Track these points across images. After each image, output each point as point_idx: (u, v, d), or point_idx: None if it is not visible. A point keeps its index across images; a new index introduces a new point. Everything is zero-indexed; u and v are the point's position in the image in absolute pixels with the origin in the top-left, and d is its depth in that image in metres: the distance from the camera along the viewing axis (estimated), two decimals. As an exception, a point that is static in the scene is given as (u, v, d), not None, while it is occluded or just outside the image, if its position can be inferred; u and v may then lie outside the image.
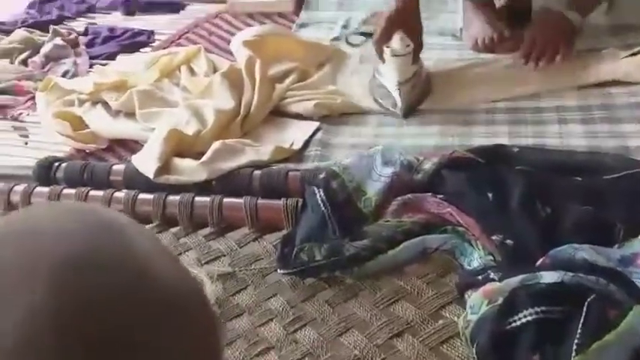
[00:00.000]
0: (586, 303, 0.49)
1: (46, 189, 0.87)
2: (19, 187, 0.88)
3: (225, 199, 0.79)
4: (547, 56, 0.99)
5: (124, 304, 0.23)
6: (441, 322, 0.61)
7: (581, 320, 0.48)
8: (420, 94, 0.99)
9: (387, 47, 0.95)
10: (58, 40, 1.33)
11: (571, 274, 0.54)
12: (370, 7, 1.46)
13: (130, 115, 1.06)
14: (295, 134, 0.97)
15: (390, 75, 0.97)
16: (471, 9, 1.23)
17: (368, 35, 1.13)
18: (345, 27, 1.39)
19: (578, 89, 0.97)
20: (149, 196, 0.82)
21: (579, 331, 0.47)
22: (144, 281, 0.24)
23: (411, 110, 0.97)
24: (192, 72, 1.17)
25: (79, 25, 1.54)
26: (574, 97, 0.96)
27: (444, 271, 0.67)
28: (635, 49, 0.99)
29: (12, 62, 1.30)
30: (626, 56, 0.99)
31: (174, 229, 0.80)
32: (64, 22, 1.54)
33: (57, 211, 0.27)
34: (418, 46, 0.98)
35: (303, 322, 0.64)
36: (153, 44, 1.41)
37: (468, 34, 1.22)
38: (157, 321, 0.23)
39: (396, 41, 0.94)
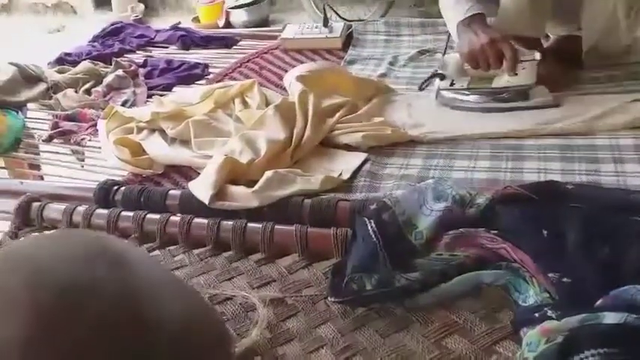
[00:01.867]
0: (652, 345, 0.47)
1: (105, 211, 0.91)
2: (81, 208, 0.92)
3: (277, 226, 0.81)
4: None
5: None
6: (494, 357, 0.60)
7: (648, 363, 0.46)
8: None
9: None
10: (120, 72, 1.41)
11: (634, 315, 0.52)
12: (416, 46, 1.50)
13: (185, 142, 1.11)
14: (344, 164, 0.99)
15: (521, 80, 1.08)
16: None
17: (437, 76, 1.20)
18: (391, 64, 1.43)
19: (633, 128, 0.96)
20: (204, 221, 0.85)
21: (646, 374, 0.45)
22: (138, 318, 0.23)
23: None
24: (245, 104, 1.22)
25: (139, 57, 1.63)
26: (630, 135, 0.94)
27: (498, 307, 0.66)
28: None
29: (77, 91, 1.38)
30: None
31: (226, 254, 0.82)
32: (125, 55, 1.63)
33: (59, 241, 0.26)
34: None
35: (354, 350, 0.64)
36: (207, 77, 1.48)
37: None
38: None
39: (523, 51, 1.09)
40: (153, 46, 1.73)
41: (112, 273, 0.24)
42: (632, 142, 0.93)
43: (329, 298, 0.70)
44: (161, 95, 1.34)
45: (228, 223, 0.83)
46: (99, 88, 1.36)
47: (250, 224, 0.83)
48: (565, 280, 0.62)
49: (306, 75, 1.19)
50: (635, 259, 0.63)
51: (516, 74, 1.08)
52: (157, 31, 1.76)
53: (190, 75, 1.45)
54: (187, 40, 1.65)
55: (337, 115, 1.11)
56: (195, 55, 1.63)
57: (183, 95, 1.29)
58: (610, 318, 0.52)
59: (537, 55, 1.10)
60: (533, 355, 0.53)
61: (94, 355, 0.21)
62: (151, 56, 1.65)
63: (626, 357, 0.48)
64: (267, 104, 1.18)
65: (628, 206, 0.73)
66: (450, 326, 0.64)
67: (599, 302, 0.58)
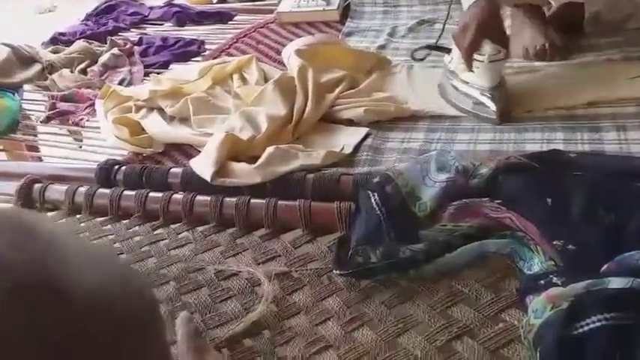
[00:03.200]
0: (658, 308, 0.48)
1: (107, 190, 0.91)
2: (83, 189, 0.92)
3: (280, 202, 0.81)
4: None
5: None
6: (501, 325, 0.60)
7: (654, 326, 0.47)
8: (509, 99, 0.99)
9: (479, 55, 0.96)
10: (115, 50, 1.39)
11: (640, 279, 0.53)
12: (415, 16, 1.48)
13: (185, 120, 1.10)
14: (346, 139, 0.99)
15: (480, 81, 0.97)
16: (519, 18, 1.22)
17: (433, 48, 1.16)
18: (390, 35, 1.41)
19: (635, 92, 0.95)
20: (206, 198, 0.85)
21: (653, 337, 0.46)
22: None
23: (505, 113, 0.97)
24: (243, 80, 1.20)
25: (133, 35, 1.61)
26: (633, 103, 0.94)
27: (503, 275, 0.66)
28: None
29: (72, 71, 1.37)
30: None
31: (230, 230, 0.82)
32: (119, 33, 1.60)
33: None
34: (507, 54, 0.99)
35: (361, 322, 0.64)
36: (204, 53, 1.46)
37: (518, 42, 1.21)
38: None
39: (489, 48, 0.95)
40: (147, 24, 1.70)
41: (21, 243, 0.24)
42: (635, 110, 0.92)
43: (334, 271, 0.70)
44: (158, 73, 1.32)
45: (231, 200, 0.83)
46: (95, 68, 1.34)
47: (253, 200, 0.83)
48: (570, 247, 0.63)
49: (304, 49, 1.17)
50: (637, 224, 0.63)
51: (472, 71, 0.98)
52: (151, 8, 1.73)
53: (186, 52, 1.43)
54: (182, 16, 1.63)
55: (337, 89, 1.10)
56: (191, 32, 1.61)
57: (180, 73, 1.28)
58: (615, 283, 0.53)
59: (502, 55, 0.96)
60: (539, 322, 0.54)
61: (9, 322, 0.21)
62: (145, 34, 1.63)
63: (633, 321, 0.49)
64: (266, 80, 1.16)
65: (631, 172, 0.73)
66: (455, 296, 0.65)
67: (604, 268, 0.58)
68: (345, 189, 0.83)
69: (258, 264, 0.75)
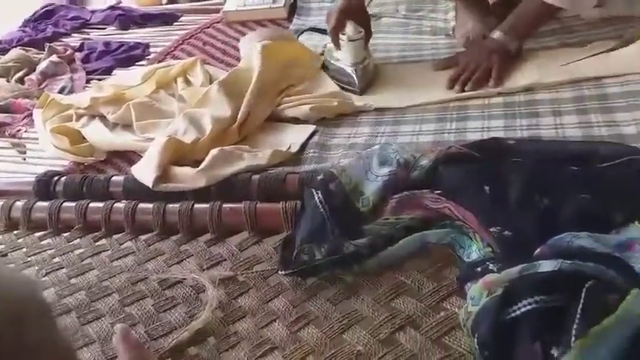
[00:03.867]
0: (584, 289, 0.49)
1: (45, 203, 0.88)
2: (20, 203, 0.89)
3: (224, 205, 0.80)
4: (476, 81, 1.01)
5: None
6: (442, 314, 0.61)
7: (580, 306, 0.48)
8: (372, 74, 1.12)
9: (343, 34, 1.08)
10: (54, 57, 1.35)
11: (569, 261, 0.54)
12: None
13: (128, 127, 1.07)
14: (292, 138, 0.98)
15: (345, 58, 1.10)
16: (463, 7, 1.24)
17: (314, 30, 1.29)
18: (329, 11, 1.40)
19: (571, 80, 0.97)
20: (149, 206, 0.83)
21: (578, 317, 0.47)
22: None
23: (366, 87, 1.10)
24: (188, 83, 1.18)
25: (74, 41, 1.56)
26: (568, 89, 0.96)
27: (444, 265, 0.67)
28: (620, 44, 1.00)
29: (9, 81, 1.31)
30: (613, 49, 0.99)
31: (175, 237, 0.80)
32: (60, 39, 1.55)
33: None
34: (369, 34, 1.13)
35: (306, 320, 0.64)
36: (148, 57, 1.42)
37: (461, 32, 1.23)
38: None
39: (350, 29, 1.08)
40: (89, 28, 1.66)
41: None
42: (570, 94, 0.94)
43: (279, 271, 0.70)
44: (100, 79, 1.29)
45: (174, 206, 0.82)
46: (33, 77, 1.30)
47: (197, 205, 0.81)
48: (506, 233, 0.64)
49: (270, 44, 1.14)
50: (570, 207, 0.65)
51: (339, 49, 1.10)
52: (93, 11, 1.69)
53: (130, 56, 1.40)
54: (125, 19, 1.59)
55: (283, 87, 1.09)
56: (135, 35, 1.57)
57: (123, 78, 1.25)
58: (545, 266, 0.54)
59: (361, 35, 1.08)
60: (476, 309, 0.55)
61: None
62: (88, 39, 1.59)
63: (560, 302, 0.50)
64: (211, 82, 1.14)
65: (566, 157, 0.75)
66: (398, 287, 0.65)
67: (537, 252, 0.59)
68: (291, 188, 0.82)
69: (203, 270, 0.74)
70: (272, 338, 0.63)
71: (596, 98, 0.92)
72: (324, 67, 1.16)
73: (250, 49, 1.14)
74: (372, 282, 0.67)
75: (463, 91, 1.02)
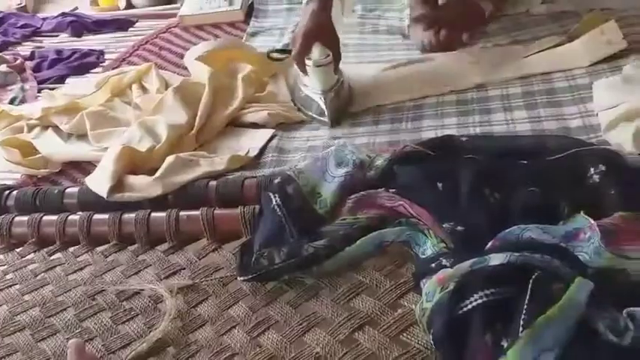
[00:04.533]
0: (531, 280, 0.51)
1: (-4, 218, 0.85)
2: (-31, 220, 0.86)
3: (182, 213, 0.79)
4: (446, 39, 1.03)
5: None
6: (400, 311, 0.62)
7: (527, 297, 0.49)
8: (345, 102, 1.01)
9: (309, 59, 0.96)
10: (3, 67, 1.31)
11: (517, 254, 0.55)
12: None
13: (82, 137, 1.05)
14: (251, 142, 0.98)
15: (313, 85, 0.99)
16: (416, 6, 1.26)
17: (277, 51, 1.16)
18: (293, 32, 1.41)
19: (521, 77, 1.00)
20: (104, 216, 0.81)
21: (525, 307, 0.48)
22: None
23: (338, 116, 0.99)
24: (143, 90, 1.16)
25: (25, 49, 1.52)
26: (518, 84, 0.99)
27: (401, 262, 0.68)
28: (565, 40, 1.03)
29: (-44, 93, 1.27)
30: (559, 44, 1.03)
31: (132, 247, 0.79)
32: (9, 48, 1.51)
33: None
34: (338, 57, 1.00)
35: (266, 325, 0.64)
36: (103, 64, 1.39)
37: (415, 33, 1.24)
38: None
39: (316, 52, 0.96)
40: (41, 36, 1.61)
41: None
42: (520, 90, 0.97)
43: (238, 277, 0.69)
44: (52, 89, 1.25)
45: (130, 216, 0.80)
46: (-19, 88, 1.25)
47: (154, 214, 0.80)
48: (459, 228, 0.65)
49: (206, 55, 1.15)
50: (520, 201, 0.67)
51: (306, 75, 0.99)
52: (44, 19, 1.64)
53: (84, 64, 1.37)
54: (78, 26, 1.55)
55: (241, 92, 1.08)
56: (89, 42, 1.54)
57: (76, 87, 1.22)
58: (495, 259, 0.55)
59: (329, 59, 0.96)
60: (430, 305, 0.56)
61: None
62: (39, 47, 1.54)
63: (509, 295, 0.51)
64: (167, 87, 1.13)
65: (516, 151, 0.77)
66: (357, 287, 0.66)
67: (488, 245, 0.61)
68: (249, 193, 0.82)
69: (162, 279, 0.73)
70: (232, 345, 0.62)
71: (544, 93, 0.95)
72: (293, 93, 1.07)
73: (190, 62, 1.14)
74: (331, 283, 0.67)
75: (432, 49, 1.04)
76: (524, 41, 1.13)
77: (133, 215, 0.80)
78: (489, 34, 1.16)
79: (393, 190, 0.73)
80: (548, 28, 1.14)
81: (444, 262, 0.60)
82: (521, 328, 0.47)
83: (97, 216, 0.82)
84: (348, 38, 1.33)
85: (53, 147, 1.02)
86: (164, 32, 1.52)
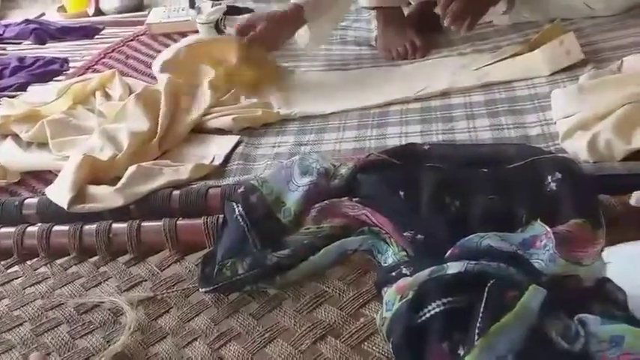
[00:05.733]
0: (487, 288, 0.51)
1: (-48, 232, 0.83)
2: None
3: (144, 223, 0.78)
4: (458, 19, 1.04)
5: None
6: (362, 320, 0.62)
7: (482, 305, 0.50)
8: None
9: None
10: (-37, 74, 1.27)
11: (474, 262, 0.56)
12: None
13: (43, 145, 1.03)
14: (217, 149, 0.97)
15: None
16: (381, 19, 1.28)
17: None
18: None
19: (483, 86, 1.02)
20: (64, 228, 0.79)
21: (480, 315, 0.49)
22: None
23: None
24: (107, 97, 1.15)
25: (-14, 57, 1.48)
26: (481, 92, 1.01)
27: (364, 271, 0.68)
28: (525, 48, 1.06)
29: None
30: (519, 53, 1.05)
31: (92, 259, 0.78)
32: (-30, 56, 1.47)
33: None
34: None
35: (228, 337, 0.63)
36: (67, 72, 1.37)
37: (381, 44, 1.26)
38: None
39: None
40: (3, 43, 1.58)
41: None
42: (482, 98, 0.99)
43: (200, 289, 0.69)
44: (12, 96, 1.23)
45: (91, 227, 0.79)
46: (-62, 96, 1.22)
47: (115, 225, 0.79)
48: (419, 237, 0.66)
49: (169, 59, 1.14)
50: (479, 209, 0.68)
51: None
52: (6, 25, 1.61)
53: (47, 71, 1.34)
54: (42, 33, 1.52)
55: (208, 100, 1.08)
56: (53, 49, 1.51)
57: (37, 94, 1.19)
58: (452, 268, 0.56)
59: None
60: (390, 314, 0.56)
61: None
62: (3, 54, 1.51)
63: (465, 303, 0.52)
64: (131, 94, 1.12)
65: (476, 159, 0.78)
66: (320, 297, 0.66)
67: (447, 254, 0.61)
68: (213, 203, 0.81)
69: (123, 292, 0.71)
70: (193, 358, 0.61)
71: (506, 101, 0.97)
72: None
73: (156, 69, 1.13)
74: (294, 293, 0.67)
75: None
76: (486, 50, 1.15)
77: (93, 227, 0.79)
78: (453, 44, 1.18)
79: (357, 198, 0.73)
80: (509, 38, 1.16)
81: (404, 270, 0.61)
82: (476, 336, 0.48)
83: (56, 227, 0.80)
84: (317, 48, 1.34)
85: (12, 156, 1.00)
86: (131, 40, 1.50)
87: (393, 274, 0.61)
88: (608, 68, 0.91)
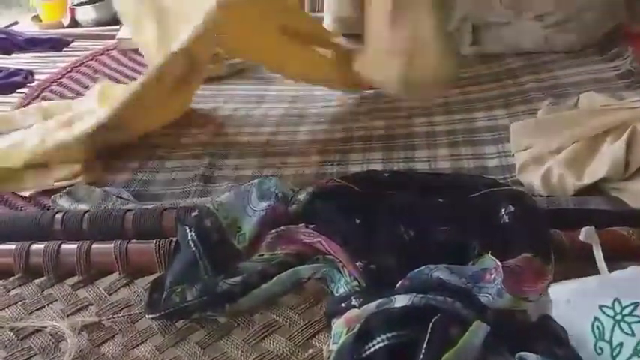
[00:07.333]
0: (431, 323, 0.51)
1: None
2: None
3: (94, 245, 0.76)
4: None
5: None
6: (310, 351, 0.61)
7: (426, 340, 0.49)
8: None
9: None
10: None
11: (421, 295, 0.56)
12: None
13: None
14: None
15: None
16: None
17: None
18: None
19: (446, 114, 1.04)
20: (11, 247, 0.77)
21: (423, 351, 0.49)
22: None
23: None
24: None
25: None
26: (442, 122, 1.02)
27: (316, 300, 0.67)
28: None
29: None
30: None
31: (38, 281, 0.75)
32: None
33: None
34: None
35: (172, 367, 0.61)
36: (32, 84, 1.34)
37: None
38: None
39: None
40: (-32, 53, 1.54)
41: None
42: (444, 128, 1.00)
43: (147, 315, 0.67)
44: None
45: (39, 247, 0.76)
46: None
47: (65, 245, 0.76)
48: (371, 266, 0.65)
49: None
50: (433, 239, 0.68)
51: None
52: (-29, 35, 1.57)
53: (10, 83, 1.31)
54: (7, 44, 1.49)
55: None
56: (19, 61, 1.48)
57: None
58: (399, 301, 0.55)
59: None
60: (336, 347, 0.55)
61: None
62: (-33, 64, 1.47)
63: (412, 337, 0.51)
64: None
65: (433, 189, 0.79)
66: (269, 326, 0.65)
67: (398, 285, 0.61)
68: (168, 225, 0.80)
69: (68, 316, 0.69)
70: (134, 388, 0.59)
71: (467, 132, 0.98)
72: None
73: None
74: (244, 322, 0.66)
75: None
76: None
77: (41, 246, 0.76)
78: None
79: (313, 225, 0.72)
80: (473, 69, 1.19)
81: (354, 301, 0.60)
82: (418, 373, 0.47)
83: (2, 246, 0.77)
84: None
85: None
86: (100, 54, 1.49)
87: (343, 305, 0.61)
88: (565, 104, 0.94)
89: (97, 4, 3.25)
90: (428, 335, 0.50)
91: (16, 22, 2.16)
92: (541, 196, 0.77)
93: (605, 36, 1.18)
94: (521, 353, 0.49)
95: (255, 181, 0.82)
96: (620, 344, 0.48)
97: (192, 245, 0.71)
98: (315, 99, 1.20)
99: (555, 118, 0.86)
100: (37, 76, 1.39)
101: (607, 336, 0.49)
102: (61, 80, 1.35)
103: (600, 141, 0.76)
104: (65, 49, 1.56)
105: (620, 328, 0.49)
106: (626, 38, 1.15)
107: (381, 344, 0.52)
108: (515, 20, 1.20)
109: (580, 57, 1.15)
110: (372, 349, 0.52)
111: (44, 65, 1.45)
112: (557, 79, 1.09)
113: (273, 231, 0.74)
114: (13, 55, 1.51)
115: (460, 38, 1.19)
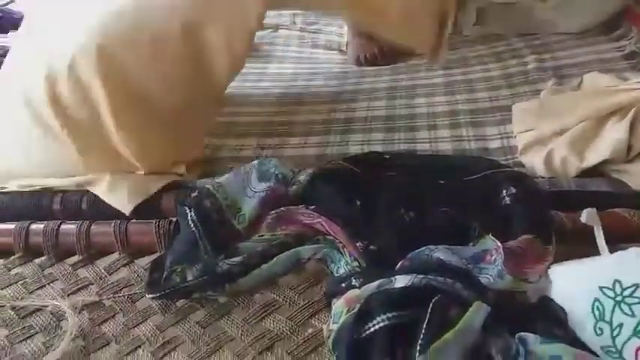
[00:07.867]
0: (431, 304, 0.51)
1: None
2: None
3: (93, 225, 0.76)
4: None
5: None
6: (310, 330, 0.61)
7: (425, 321, 0.49)
8: None
9: None
10: None
11: (421, 276, 0.56)
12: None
13: None
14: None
15: None
16: (352, 24, 1.27)
17: None
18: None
19: (448, 94, 1.03)
20: (9, 226, 0.77)
21: (423, 332, 0.49)
22: None
23: None
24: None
25: None
26: (444, 103, 1.01)
27: (317, 280, 0.67)
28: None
29: None
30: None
31: (39, 260, 0.75)
32: None
33: None
34: None
35: (173, 345, 0.62)
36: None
37: (351, 49, 1.26)
38: None
39: None
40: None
41: None
42: (446, 108, 0.99)
43: (147, 295, 0.67)
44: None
45: (38, 226, 0.76)
46: None
47: (64, 225, 0.76)
48: (372, 247, 0.65)
49: None
50: (433, 220, 0.68)
51: None
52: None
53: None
54: (3, 22, 1.47)
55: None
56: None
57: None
58: (399, 281, 0.55)
59: None
60: (336, 327, 0.55)
61: None
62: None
63: (410, 318, 0.51)
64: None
65: (434, 170, 0.78)
66: (270, 306, 0.65)
67: (398, 266, 0.61)
68: (168, 205, 0.79)
69: (68, 295, 0.69)
70: (135, 366, 0.60)
71: (468, 113, 0.97)
72: None
73: None
74: (244, 302, 0.66)
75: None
76: (454, 60, 1.16)
77: (41, 226, 0.76)
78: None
79: (313, 206, 0.72)
80: (476, 49, 1.17)
81: (354, 282, 0.60)
82: (417, 353, 0.47)
83: (1, 226, 0.77)
84: (287, 50, 1.33)
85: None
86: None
87: (343, 285, 0.61)
88: (569, 85, 0.92)
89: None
90: (428, 316, 0.50)
91: (11, 1, 2.13)
92: (543, 177, 0.76)
93: (610, 17, 1.16)
94: (522, 334, 0.49)
95: (255, 161, 0.81)
96: (620, 325, 0.48)
97: (192, 225, 0.71)
98: (316, 78, 1.18)
99: (559, 99, 0.85)
100: None
101: (607, 317, 0.49)
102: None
103: (604, 122, 0.75)
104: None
105: (621, 309, 0.49)
106: (631, 19, 1.14)
107: (381, 324, 0.52)
108: (519, 0, 1.19)
109: (584, 38, 1.14)
110: (372, 329, 0.52)
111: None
112: (561, 59, 1.08)
113: (273, 212, 0.73)
114: (10, 34, 1.48)
115: (464, 18, 1.17)
